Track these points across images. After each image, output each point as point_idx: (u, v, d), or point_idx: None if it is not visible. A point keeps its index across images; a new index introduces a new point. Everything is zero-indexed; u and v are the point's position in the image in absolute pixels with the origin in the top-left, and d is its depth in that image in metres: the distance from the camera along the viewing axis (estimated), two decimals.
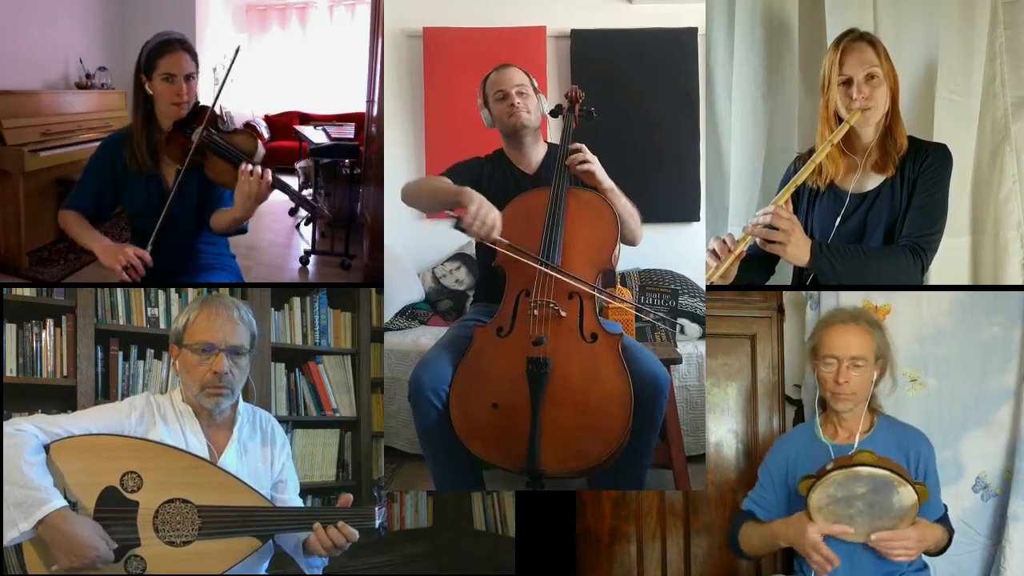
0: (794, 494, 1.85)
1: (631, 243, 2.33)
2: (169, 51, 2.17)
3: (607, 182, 2.24)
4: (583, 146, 2.25)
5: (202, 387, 1.78)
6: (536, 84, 2.41)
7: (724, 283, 2.08)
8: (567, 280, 2.09)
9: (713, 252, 2.05)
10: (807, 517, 1.78)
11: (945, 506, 1.89)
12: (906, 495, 1.73)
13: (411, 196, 2.34)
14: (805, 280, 2.26)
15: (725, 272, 2.02)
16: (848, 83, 2.09)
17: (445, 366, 2.10)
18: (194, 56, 2.21)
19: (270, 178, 2.11)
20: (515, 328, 2.10)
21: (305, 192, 4.46)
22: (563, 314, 2.08)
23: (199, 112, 2.22)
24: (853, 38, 2.12)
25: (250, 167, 2.09)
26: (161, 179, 2.25)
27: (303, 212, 4.32)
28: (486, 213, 2.08)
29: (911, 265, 2.07)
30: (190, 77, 2.19)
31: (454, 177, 2.31)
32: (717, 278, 2.02)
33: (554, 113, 2.44)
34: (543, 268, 2.10)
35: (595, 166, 2.22)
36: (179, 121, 2.20)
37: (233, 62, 2.26)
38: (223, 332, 1.80)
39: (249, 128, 2.26)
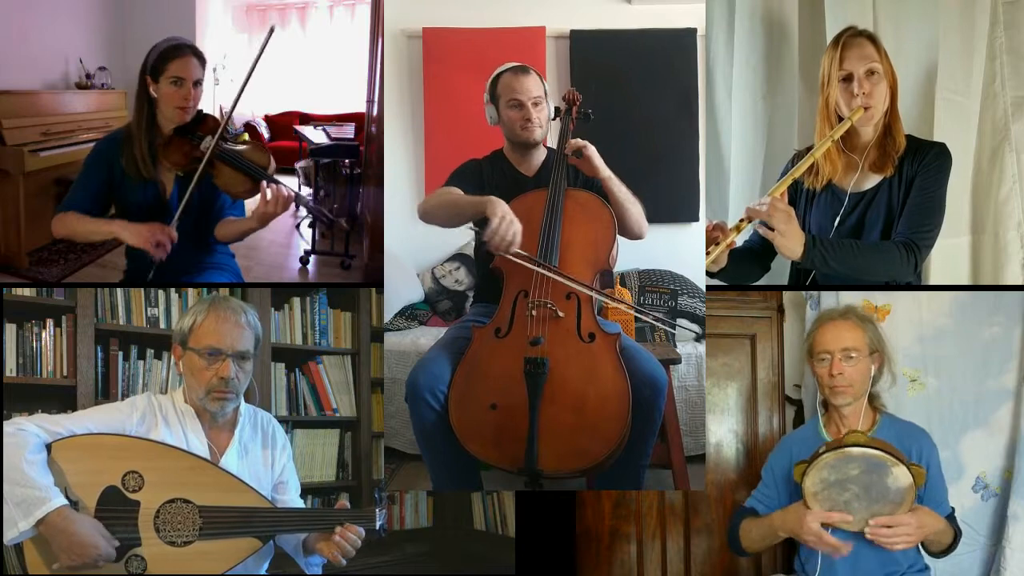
0: (796, 491, 1.85)
1: (637, 235, 2.31)
2: (180, 55, 2.16)
3: (605, 171, 2.23)
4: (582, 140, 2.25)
5: (208, 391, 1.78)
6: (547, 90, 2.40)
7: (715, 269, 2.08)
8: (565, 282, 2.09)
9: (707, 233, 2.05)
10: (804, 506, 1.78)
11: (952, 508, 1.89)
12: (901, 476, 1.73)
13: (429, 214, 2.30)
14: (804, 280, 2.26)
15: (716, 258, 2.02)
16: (848, 79, 2.10)
17: (443, 367, 2.10)
18: (203, 63, 2.21)
19: (292, 196, 2.11)
20: (513, 329, 2.10)
21: (305, 191, 4.46)
22: (561, 314, 2.08)
23: (203, 120, 2.21)
24: (853, 34, 2.12)
25: (272, 188, 2.08)
26: (159, 183, 2.23)
27: (303, 211, 4.33)
28: (507, 227, 2.06)
29: (905, 261, 2.07)
30: (198, 83, 2.19)
31: (459, 183, 2.30)
32: (709, 263, 2.02)
33: (552, 115, 2.44)
34: (547, 273, 2.09)
35: (593, 153, 2.21)
36: (180, 127, 2.19)
37: (265, 46, 2.21)
38: (230, 337, 1.79)
39: (253, 135, 2.25)
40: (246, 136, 2.24)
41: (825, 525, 1.76)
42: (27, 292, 2.37)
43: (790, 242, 1.98)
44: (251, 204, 2.26)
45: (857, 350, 1.89)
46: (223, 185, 2.17)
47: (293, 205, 2.18)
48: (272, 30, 2.21)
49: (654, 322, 2.20)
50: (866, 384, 1.91)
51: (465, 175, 2.37)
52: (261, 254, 3.89)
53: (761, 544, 1.96)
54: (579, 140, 2.24)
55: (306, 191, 4.43)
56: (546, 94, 2.39)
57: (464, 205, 2.20)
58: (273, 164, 2.20)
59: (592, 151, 2.22)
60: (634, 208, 2.28)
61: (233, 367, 1.78)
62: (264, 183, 2.10)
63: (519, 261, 2.11)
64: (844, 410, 1.91)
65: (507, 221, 2.07)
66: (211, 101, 2.31)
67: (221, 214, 2.25)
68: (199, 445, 1.79)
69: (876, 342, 1.92)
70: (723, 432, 2.43)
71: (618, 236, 2.23)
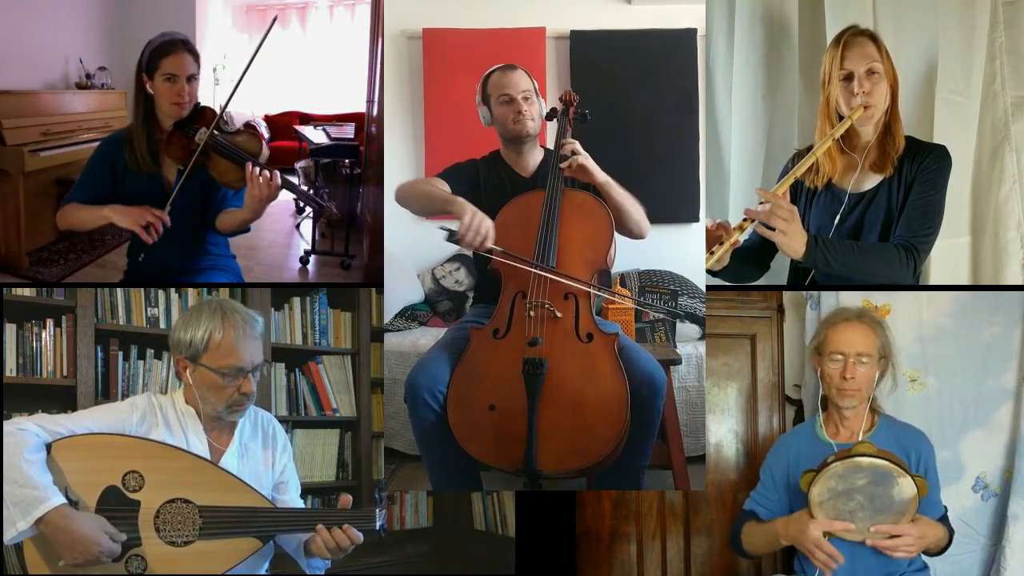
0: (796, 493, 1.85)
1: (639, 235, 2.31)
2: (172, 51, 2.17)
3: (601, 176, 2.23)
4: (575, 142, 2.24)
5: (229, 406, 1.77)
6: (537, 86, 2.41)
7: (717, 268, 2.08)
8: (562, 281, 2.09)
9: (708, 232, 2.05)
10: (808, 514, 1.78)
11: (945, 507, 1.90)
12: (906, 487, 1.73)
13: (403, 198, 2.33)
14: (804, 279, 2.26)
15: (720, 257, 2.02)
16: (849, 78, 2.10)
17: (441, 368, 2.10)
18: (196, 57, 2.22)
19: (279, 180, 2.11)
20: (511, 330, 2.10)
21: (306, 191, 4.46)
22: (558, 315, 2.08)
23: (200, 113, 2.22)
24: (854, 33, 2.12)
25: (258, 170, 2.10)
26: (162, 179, 2.25)
27: (304, 211, 4.33)
28: (479, 224, 2.08)
29: (904, 264, 2.07)
30: (192, 78, 2.20)
31: (450, 179, 2.31)
32: (713, 262, 2.02)
33: (548, 116, 2.44)
34: (538, 271, 2.10)
35: (587, 160, 2.21)
36: (180, 121, 2.21)
37: (263, 40, 2.24)
38: (250, 353, 1.77)
39: (251, 129, 2.26)
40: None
41: (826, 534, 1.76)
42: (27, 292, 2.37)
43: (792, 241, 1.98)
44: None
45: (870, 355, 1.89)
46: (217, 175, 2.19)
47: (296, 198, 2.19)
48: (275, 19, 2.23)
49: (651, 309, 2.19)
50: (872, 388, 1.91)
51: (459, 172, 2.38)
52: (261, 254, 3.89)
53: (764, 549, 1.97)
54: (571, 143, 2.23)
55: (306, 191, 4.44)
56: (536, 91, 2.39)
57: (436, 200, 2.21)
58: (266, 152, 2.20)
59: (585, 160, 2.21)
60: (633, 209, 2.27)
61: (253, 382, 1.78)
62: (249, 166, 2.11)
63: (515, 263, 2.11)
64: (846, 412, 1.91)
65: (478, 218, 2.08)
66: (211, 101, 2.32)
67: (223, 206, 2.26)
68: (199, 445, 1.79)
69: (886, 347, 1.93)
70: (723, 432, 2.43)
71: (615, 236, 2.22)
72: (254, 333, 1.79)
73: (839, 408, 1.92)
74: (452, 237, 2.08)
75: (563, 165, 2.21)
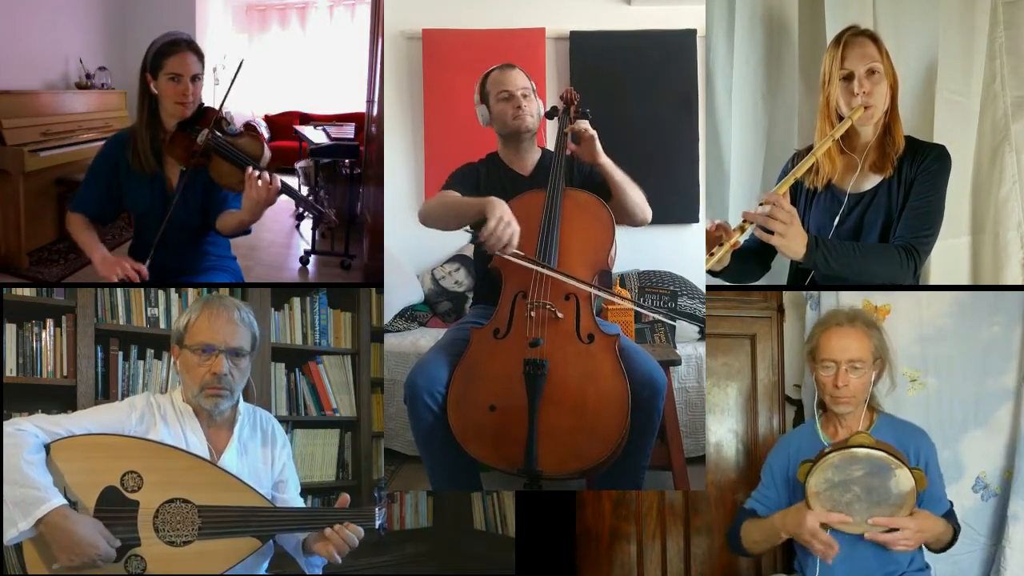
0: (795, 490, 1.85)
1: (641, 220, 2.30)
2: (176, 51, 2.19)
3: (602, 156, 2.23)
4: (586, 121, 2.25)
5: (201, 388, 1.79)
6: (535, 87, 2.42)
7: (718, 268, 2.08)
8: (565, 280, 2.09)
9: (708, 234, 2.05)
10: (806, 506, 1.78)
11: (951, 502, 1.89)
12: (903, 479, 1.73)
13: (433, 218, 2.31)
14: (804, 279, 2.26)
15: (720, 258, 2.02)
16: (849, 78, 2.09)
17: (441, 369, 2.09)
18: (201, 58, 2.23)
19: (279, 184, 2.12)
20: (512, 330, 2.10)
21: (304, 191, 4.47)
22: (559, 315, 2.08)
23: (204, 113, 2.22)
24: (854, 33, 2.12)
25: (258, 173, 2.10)
26: (165, 179, 2.25)
27: (302, 208, 4.32)
28: (503, 228, 2.05)
29: (904, 265, 2.07)
30: (196, 78, 2.21)
31: (456, 186, 2.31)
32: (713, 263, 2.02)
33: (549, 115, 2.45)
34: (541, 270, 2.09)
35: (594, 141, 2.22)
36: (183, 122, 2.21)
37: (236, 75, 2.28)
38: (223, 333, 1.79)
39: (253, 131, 2.27)
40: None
41: (824, 526, 1.76)
42: (27, 292, 2.37)
43: (792, 243, 1.97)
44: None
45: (863, 361, 1.86)
46: (216, 176, 2.19)
47: (295, 204, 2.19)
48: (241, 63, 2.31)
49: (649, 311, 2.19)
50: (868, 392, 1.90)
51: (461, 179, 2.38)
52: (261, 254, 3.89)
53: (763, 545, 1.96)
54: (583, 122, 2.24)
55: (306, 191, 4.45)
56: (534, 91, 2.40)
57: (464, 207, 2.20)
58: (267, 155, 2.21)
59: (593, 135, 2.22)
60: (633, 192, 2.27)
61: (226, 363, 1.79)
62: (249, 169, 2.11)
63: (517, 261, 2.10)
64: (844, 415, 1.91)
65: (504, 222, 2.06)
66: (211, 101, 2.33)
67: (223, 207, 2.26)
68: (198, 444, 1.79)
69: (881, 350, 1.90)
70: (723, 432, 2.43)
71: (616, 238, 2.22)
72: (230, 316, 1.81)
73: (836, 413, 1.92)
74: (475, 239, 2.07)
75: (568, 131, 2.22)
